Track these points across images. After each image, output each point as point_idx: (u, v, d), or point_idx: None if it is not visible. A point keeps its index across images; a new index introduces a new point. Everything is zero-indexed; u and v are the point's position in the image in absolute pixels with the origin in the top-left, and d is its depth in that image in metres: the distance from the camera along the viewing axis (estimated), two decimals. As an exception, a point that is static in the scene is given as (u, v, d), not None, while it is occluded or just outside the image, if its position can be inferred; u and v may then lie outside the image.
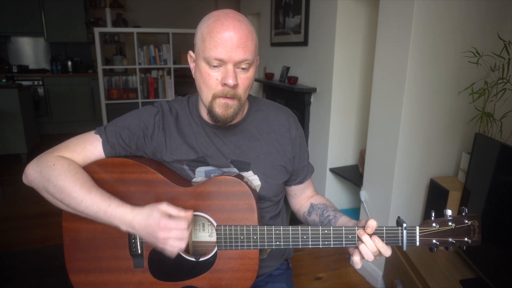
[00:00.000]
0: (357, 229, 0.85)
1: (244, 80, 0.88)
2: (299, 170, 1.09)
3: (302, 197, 1.15)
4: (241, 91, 0.89)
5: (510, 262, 1.33)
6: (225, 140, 1.00)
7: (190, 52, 0.95)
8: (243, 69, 0.87)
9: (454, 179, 1.86)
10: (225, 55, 0.84)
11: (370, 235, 0.84)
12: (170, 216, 0.84)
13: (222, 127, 0.99)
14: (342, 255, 2.44)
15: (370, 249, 0.83)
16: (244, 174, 1.00)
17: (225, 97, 0.88)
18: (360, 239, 0.84)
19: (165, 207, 0.86)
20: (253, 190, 0.95)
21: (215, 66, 0.86)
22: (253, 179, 1.01)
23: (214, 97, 0.88)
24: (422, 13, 1.70)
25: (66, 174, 0.88)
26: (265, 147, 1.02)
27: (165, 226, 0.82)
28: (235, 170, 1.00)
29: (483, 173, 1.55)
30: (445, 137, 1.92)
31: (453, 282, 1.55)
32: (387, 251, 0.84)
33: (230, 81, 0.85)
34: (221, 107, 0.89)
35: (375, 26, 2.06)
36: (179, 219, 0.84)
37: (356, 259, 0.86)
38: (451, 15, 1.74)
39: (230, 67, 0.85)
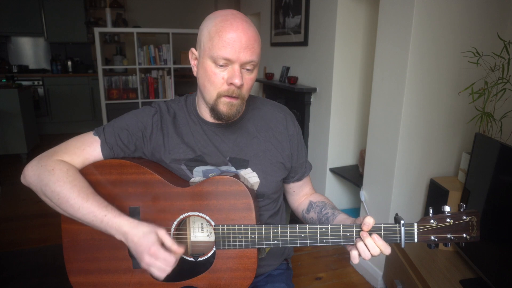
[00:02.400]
0: (355, 227, 0.85)
1: (248, 80, 0.91)
2: (298, 167, 1.10)
3: (301, 195, 1.16)
4: (245, 91, 0.91)
5: (510, 262, 1.33)
6: (223, 138, 1.00)
7: (193, 49, 0.95)
8: (248, 70, 0.89)
9: (454, 179, 1.86)
10: (233, 55, 0.85)
11: (370, 234, 0.83)
12: (163, 245, 0.84)
13: (220, 125, 0.99)
14: (342, 255, 2.43)
15: (372, 252, 0.83)
16: (243, 171, 1.00)
17: (231, 96, 0.89)
18: (361, 239, 0.84)
19: (163, 234, 0.85)
20: (250, 189, 0.95)
21: (221, 65, 0.87)
22: (252, 176, 1.01)
23: (219, 95, 0.90)
24: (422, 13, 1.70)
25: (64, 180, 0.88)
26: (263, 144, 1.02)
27: (154, 253, 0.82)
28: (233, 168, 1.00)
29: (483, 173, 1.54)
30: (445, 137, 1.92)
31: (453, 282, 1.55)
32: (387, 249, 0.84)
33: (237, 81, 0.86)
34: (226, 106, 0.90)
35: (375, 26, 2.06)
36: (169, 252, 0.84)
37: (354, 253, 0.85)
38: (451, 15, 1.74)
39: (236, 67, 0.87)
